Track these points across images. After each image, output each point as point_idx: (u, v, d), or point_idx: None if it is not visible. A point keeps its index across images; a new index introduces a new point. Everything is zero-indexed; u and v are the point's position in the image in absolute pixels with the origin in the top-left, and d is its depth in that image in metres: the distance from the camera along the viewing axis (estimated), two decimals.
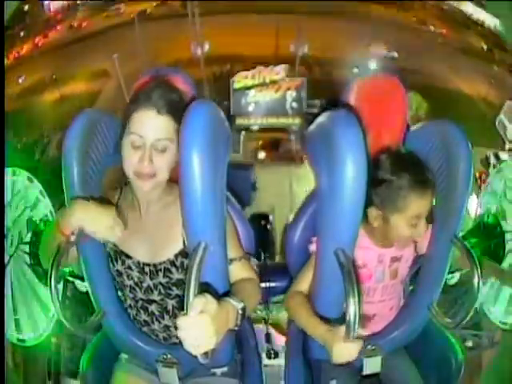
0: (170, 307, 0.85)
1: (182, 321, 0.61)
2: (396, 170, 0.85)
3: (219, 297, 0.69)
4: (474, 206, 1.38)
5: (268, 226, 2.26)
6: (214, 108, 0.75)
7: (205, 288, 0.68)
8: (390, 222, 0.86)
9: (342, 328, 0.73)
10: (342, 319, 0.75)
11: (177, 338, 0.69)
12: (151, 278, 0.84)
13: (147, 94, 0.78)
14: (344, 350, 0.75)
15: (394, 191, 0.85)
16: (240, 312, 0.70)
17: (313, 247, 0.92)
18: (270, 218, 2.23)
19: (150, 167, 0.77)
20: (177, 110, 0.77)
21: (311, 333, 0.84)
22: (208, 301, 0.63)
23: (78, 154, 0.79)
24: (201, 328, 0.61)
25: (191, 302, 0.62)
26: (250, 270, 0.85)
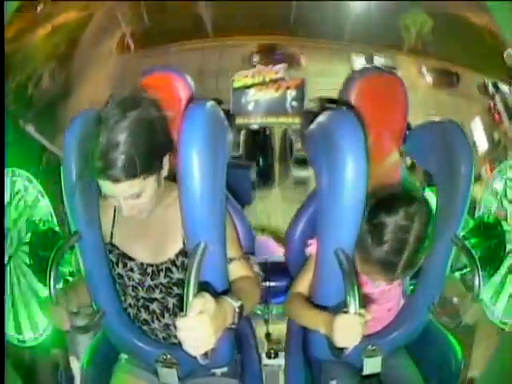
0: (170, 305, 0.85)
1: (181, 322, 0.61)
2: (381, 239, 0.77)
3: (217, 295, 0.69)
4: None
5: (267, 132, 2.30)
6: (213, 107, 0.75)
7: (203, 287, 0.68)
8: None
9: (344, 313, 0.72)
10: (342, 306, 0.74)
11: (176, 337, 0.69)
12: (152, 279, 0.84)
13: (104, 160, 0.69)
14: (346, 330, 0.72)
15: (367, 243, 0.79)
16: (237, 310, 0.70)
17: (309, 250, 0.91)
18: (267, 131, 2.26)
19: (131, 211, 0.76)
20: (145, 164, 0.71)
21: (314, 325, 0.81)
22: (206, 300, 0.62)
23: (77, 155, 0.79)
24: (200, 329, 0.61)
25: (190, 302, 0.62)
26: (249, 269, 0.85)
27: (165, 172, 0.78)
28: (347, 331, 0.72)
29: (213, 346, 0.63)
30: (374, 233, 0.78)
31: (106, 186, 0.72)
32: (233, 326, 0.70)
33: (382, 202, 0.78)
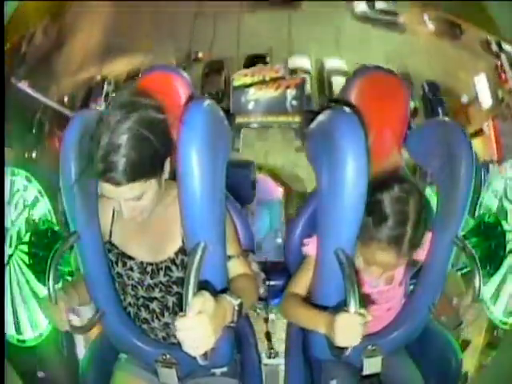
0: (170, 304, 0.85)
1: (180, 322, 0.61)
2: (383, 215, 0.79)
3: (216, 293, 0.69)
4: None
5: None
6: (212, 106, 0.75)
7: (202, 285, 0.68)
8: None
9: (345, 312, 0.72)
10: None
11: (176, 337, 0.70)
12: (152, 278, 0.84)
13: (105, 162, 0.68)
14: (347, 330, 0.72)
15: (369, 226, 0.79)
16: (236, 308, 0.69)
17: (306, 249, 0.91)
18: (267, 59, 2.23)
19: (132, 213, 0.75)
20: (146, 167, 0.71)
21: (313, 325, 0.81)
22: (206, 299, 0.62)
23: (76, 155, 0.79)
24: (199, 329, 0.61)
25: (189, 302, 0.62)
26: (247, 267, 0.85)
27: (166, 174, 0.77)
28: (347, 331, 0.72)
29: (212, 345, 0.63)
30: (374, 213, 0.79)
31: (107, 188, 0.72)
32: (232, 325, 0.70)
33: (376, 183, 0.79)
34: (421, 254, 0.92)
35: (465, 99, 1.78)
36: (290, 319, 0.94)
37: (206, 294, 0.63)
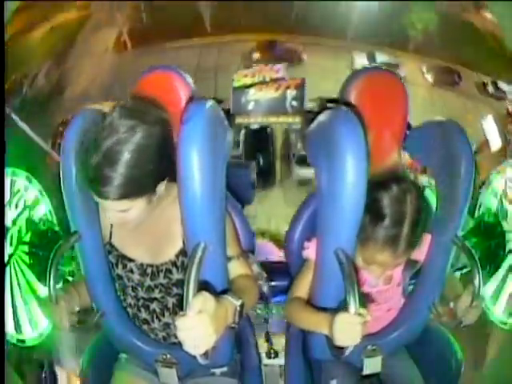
0: (170, 305, 0.85)
1: (180, 321, 0.61)
2: (380, 215, 0.78)
3: (217, 294, 0.70)
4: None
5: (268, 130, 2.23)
6: (213, 107, 0.75)
7: (203, 286, 0.68)
8: None
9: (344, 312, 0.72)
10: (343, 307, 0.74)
11: (176, 337, 0.70)
12: (152, 279, 0.84)
13: (97, 174, 0.67)
14: (347, 329, 0.72)
15: (366, 226, 0.79)
16: (238, 309, 0.70)
17: (306, 253, 0.91)
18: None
19: (118, 220, 0.75)
20: (136, 188, 0.70)
21: (314, 326, 0.82)
22: (206, 299, 0.62)
23: (76, 156, 0.79)
24: (200, 328, 0.61)
25: (190, 302, 0.62)
26: (248, 268, 0.85)
27: (157, 195, 0.76)
28: (347, 330, 0.72)
29: (213, 344, 0.63)
30: (371, 211, 0.79)
31: (95, 195, 0.72)
32: (233, 325, 0.70)
33: (374, 182, 0.79)
34: (420, 254, 0.92)
35: (475, 147, 1.78)
36: (295, 323, 0.94)
37: (207, 294, 0.63)
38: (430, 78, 2.19)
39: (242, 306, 0.70)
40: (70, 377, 1.31)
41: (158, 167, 0.72)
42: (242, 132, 2.30)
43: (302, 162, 2.18)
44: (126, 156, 0.67)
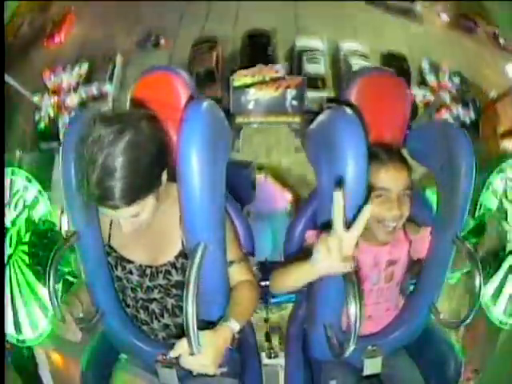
0: (169, 306, 0.85)
1: (185, 360, 0.67)
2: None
3: (219, 318, 0.73)
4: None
5: (269, 48, 1.96)
6: (212, 106, 0.75)
7: (204, 324, 0.71)
8: None
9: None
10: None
11: (176, 337, 0.70)
12: (151, 280, 0.84)
13: (101, 188, 0.66)
14: (332, 250, 0.67)
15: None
16: (236, 336, 0.72)
17: (307, 237, 0.91)
18: (271, 39, 1.92)
19: (131, 227, 0.74)
20: (143, 187, 0.69)
21: (302, 272, 0.76)
22: (210, 339, 0.67)
23: (75, 156, 0.78)
24: (202, 365, 0.67)
25: (194, 338, 0.65)
26: (249, 273, 0.85)
27: (163, 185, 0.76)
28: (327, 256, 0.67)
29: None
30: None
31: (105, 210, 0.71)
32: (229, 347, 0.72)
33: None
34: (420, 252, 0.93)
35: (493, 94, 1.73)
36: (281, 287, 0.86)
37: (210, 334, 0.68)
38: (446, 19, 2.11)
39: (239, 331, 0.73)
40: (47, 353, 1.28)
41: (156, 158, 0.71)
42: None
43: (310, 82, 1.92)
44: (120, 160, 0.66)
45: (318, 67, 2.00)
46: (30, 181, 1.34)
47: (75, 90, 1.74)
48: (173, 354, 0.68)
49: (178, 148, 0.71)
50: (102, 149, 0.65)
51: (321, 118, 0.85)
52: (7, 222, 1.31)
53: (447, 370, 0.93)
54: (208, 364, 0.66)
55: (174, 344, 0.86)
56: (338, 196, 0.67)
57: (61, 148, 0.79)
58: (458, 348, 0.95)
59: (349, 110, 0.79)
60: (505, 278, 1.39)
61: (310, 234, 0.92)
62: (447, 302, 0.96)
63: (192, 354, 0.66)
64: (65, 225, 1.33)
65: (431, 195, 1.01)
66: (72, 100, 1.73)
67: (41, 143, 1.56)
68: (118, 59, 1.87)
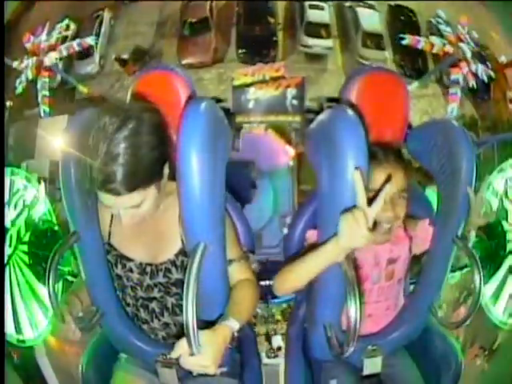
0: (169, 304, 0.85)
1: (185, 360, 0.67)
2: None
3: (219, 317, 0.73)
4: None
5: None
6: (212, 106, 0.74)
7: (203, 324, 0.70)
8: None
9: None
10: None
11: (176, 336, 0.70)
12: (151, 278, 0.84)
13: (104, 173, 0.67)
14: (353, 227, 0.69)
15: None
16: (236, 334, 0.72)
17: (308, 237, 0.91)
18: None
19: (131, 220, 0.74)
20: (145, 175, 0.70)
21: (321, 258, 0.76)
22: (210, 339, 0.67)
23: (75, 156, 0.78)
24: (202, 366, 0.67)
25: (194, 338, 0.65)
26: (249, 271, 0.85)
27: (165, 177, 0.76)
28: (354, 227, 0.69)
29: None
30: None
31: (106, 197, 0.71)
32: (228, 345, 0.72)
33: None
34: (422, 244, 0.92)
35: (503, 59, 1.71)
36: (294, 280, 0.83)
37: (210, 334, 0.67)
38: None
39: (239, 330, 0.72)
40: None
41: (158, 149, 0.72)
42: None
43: (313, 30, 1.80)
44: (122, 149, 0.67)
45: (322, 14, 1.84)
46: (29, 181, 1.34)
47: (54, 49, 1.69)
48: (173, 354, 0.67)
49: (177, 147, 0.71)
50: (106, 136, 0.67)
51: (321, 117, 0.85)
52: (7, 222, 1.31)
53: (447, 370, 0.93)
54: (208, 364, 0.66)
55: (173, 344, 0.87)
56: (357, 175, 0.72)
57: (61, 147, 0.79)
58: (458, 348, 0.95)
59: (349, 110, 0.79)
60: (505, 277, 1.39)
61: (311, 234, 0.92)
62: (447, 301, 0.95)
63: (192, 354, 0.65)
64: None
65: (431, 195, 1.01)
66: (50, 59, 1.67)
67: (25, 111, 1.53)
68: (106, 14, 1.82)
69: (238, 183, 1.08)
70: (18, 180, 1.33)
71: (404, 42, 1.80)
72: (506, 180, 1.40)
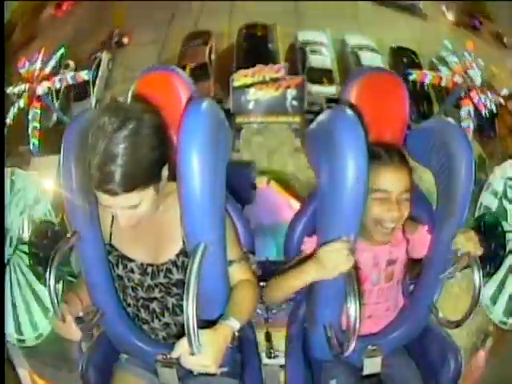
0: (170, 305, 0.85)
1: (186, 359, 0.66)
2: None
3: (219, 317, 0.73)
4: None
5: (268, 44, 1.85)
6: (213, 106, 0.75)
7: (204, 323, 0.70)
8: None
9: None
10: None
11: (176, 336, 0.70)
12: (152, 279, 0.84)
13: (101, 172, 0.67)
14: (334, 257, 0.74)
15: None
16: (237, 334, 0.72)
17: (305, 247, 0.91)
18: (270, 31, 1.81)
19: (129, 221, 0.74)
20: (143, 176, 0.69)
21: (300, 279, 0.80)
22: (211, 338, 0.67)
23: (76, 156, 0.79)
24: (203, 366, 0.67)
25: (194, 337, 0.64)
26: (249, 272, 0.85)
27: (164, 180, 0.76)
28: (335, 258, 0.74)
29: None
30: None
31: (103, 197, 0.71)
32: (229, 345, 0.72)
33: None
34: (418, 252, 0.93)
35: (505, 92, 1.72)
36: (276, 294, 0.89)
37: (210, 333, 0.67)
38: (451, 17, 2.06)
39: (239, 329, 0.72)
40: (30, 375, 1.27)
41: (158, 151, 0.71)
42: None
43: (316, 76, 1.78)
44: (122, 148, 0.67)
45: (324, 59, 1.85)
46: (30, 181, 1.34)
47: (48, 79, 1.66)
48: (173, 354, 0.68)
49: (178, 148, 0.71)
50: (105, 135, 0.67)
51: (321, 117, 0.85)
52: (7, 223, 1.31)
53: (447, 369, 0.93)
54: (208, 363, 0.66)
55: (174, 343, 0.87)
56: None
57: (62, 148, 0.80)
58: (458, 348, 0.95)
59: (349, 110, 0.79)
60: (505, 277, 1.39)
61: (307, 241, 0.91)
62: (447, 301, 0.96)
63: (192, 353, 0.66)
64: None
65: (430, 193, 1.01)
66: (43, 88, 1.64)
67: (19, 146, 1.49)
68: (104, 56, 1.82)
69: (239, 184, 1.08)
70: (18, 180, 1.33)
71: (411, 78, 1.79)
72: (506, 180, 1.40)
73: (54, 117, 1.71)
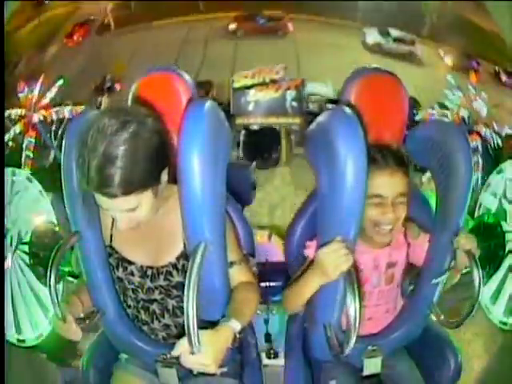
0: (170, 306, 0.85)
1: (186, 359, 0.66)
2: None
3: (221, 318, 0.73)
4: None
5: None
6: (213, 107, 0.75)
7: (205, 324, 0.71)
8: None
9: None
10: None
11: (176, 337, 0.70)
12: (152, 281, 0.84)
13: (100, 175, 0.66)
14: (334, 258, 0.75)
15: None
16: (238, 336, 0.72)
17: (308, 252, 0.91)
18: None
19: (128, 224, 0.74)
20: (141, 180, 0.69)
21: (307, 285, 0.83)
22: (211, 338, 0.67)
23: (76, 157, 0.79)
24: (203, 365, 0.67)
25: (194, 336, 0.65)
26: (249, 274, 0.86)
27: (163, 184, 0.76)
28: (334, 258, 0.75)
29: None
30: None
31: (102, 199, 0.70)
32: (229, 346, 0.72)
33: None
34: (417, 259, 0.93)
35: (508, 131, 1.73)
36: (292, 304, 0.92)
37: (210, 333, 0.68)
38: (449, 61, 2.08)
39: (240, 331, 0.73)
40: None
41: (157, 155, 0.71)
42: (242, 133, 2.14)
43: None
44: (121, 150, 0.66)
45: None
46: (30, 181, 1.35)
47: (46, 108, 1.67)
48: (174, 353, 0.68)
49: (178, 148, 0.71)
50: (105, 137, 0.67)
51: (320, 118, 0.85)
52: (8, 223, 1.31)
53: (447, 370, 0.93)
54: (209, 363, 0.66)
55: (174, 344, 0.87)
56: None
57: (62, 148, 0.80)
58: (458, 348, 0.95)
59: (348, 111, 0.79)
60: (505, 277, 1.39)
61: (309, 245, 0.91)
62: (447, 301, 0.96)
63: (192, 353, 0.66)
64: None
65: (431, 196, 1.01)
66: (39, 117, 1.66)
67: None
68: (104, 100, 1.84)
69: (239, 184, 1.08)
70: (18, 180, 1.33)
71: (417, 118, 1.80)
72: (505, 181, 1.41)
73: (51, 157, 1.71)
